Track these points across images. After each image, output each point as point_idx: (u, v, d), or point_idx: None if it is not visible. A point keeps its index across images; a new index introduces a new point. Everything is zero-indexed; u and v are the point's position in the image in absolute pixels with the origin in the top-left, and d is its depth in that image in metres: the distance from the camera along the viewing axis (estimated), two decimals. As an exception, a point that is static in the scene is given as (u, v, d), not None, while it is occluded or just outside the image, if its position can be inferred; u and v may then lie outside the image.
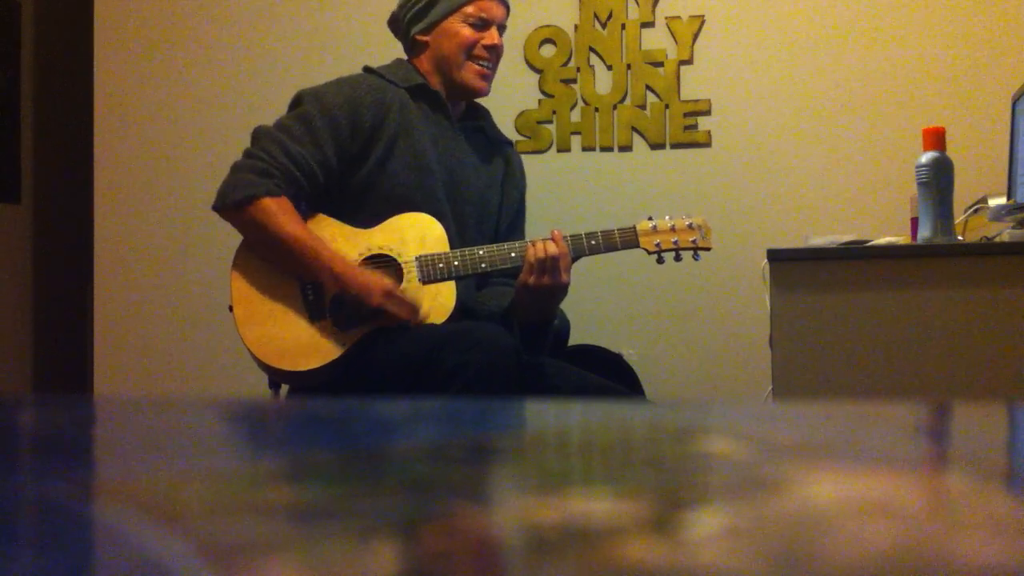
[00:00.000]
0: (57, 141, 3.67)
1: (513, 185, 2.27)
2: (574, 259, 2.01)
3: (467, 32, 2.12)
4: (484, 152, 2.23)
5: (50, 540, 0.34)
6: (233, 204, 1.97)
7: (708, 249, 2.09)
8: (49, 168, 3.64)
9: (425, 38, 2.15)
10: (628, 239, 2.04)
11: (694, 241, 2.07)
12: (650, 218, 2.07)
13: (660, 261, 2.07)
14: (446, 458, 0.52)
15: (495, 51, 2.15)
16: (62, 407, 0.80)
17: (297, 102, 2.07)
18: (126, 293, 3.14)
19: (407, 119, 2.08)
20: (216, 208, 2.01)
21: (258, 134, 2.04)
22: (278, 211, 1.95)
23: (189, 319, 3.08)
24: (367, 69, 2.17)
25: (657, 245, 2.05)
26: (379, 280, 1.95)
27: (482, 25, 2.13)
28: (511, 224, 2.24)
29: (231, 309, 1.99)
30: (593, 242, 2.02)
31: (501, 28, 2.17)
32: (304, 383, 1.99)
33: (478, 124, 2.24)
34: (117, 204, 3.15)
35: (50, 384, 3.58)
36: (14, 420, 0.72)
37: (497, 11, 2.16)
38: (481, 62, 2.13)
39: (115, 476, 0.48)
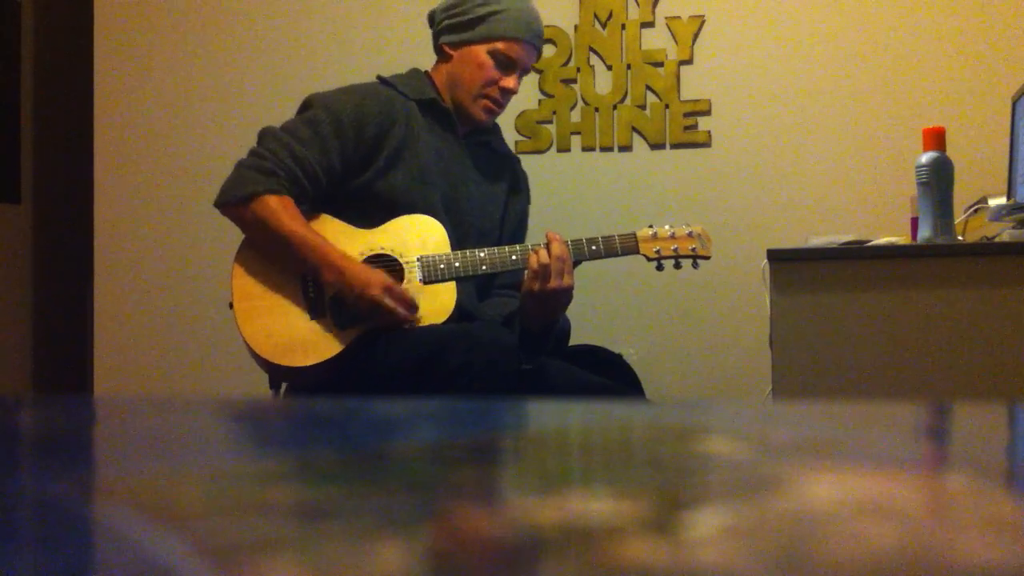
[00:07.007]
0: (57, 141, 3.67)
1: (518, 199, 2.28)
2: (574, 264, 2.01)
3: (489, 67, 2.12)
4: (489, 167, 2.23)
5: (50, 540, 0.34)
6: (236, 200, 1.98)
7: (707, 258, 2.10)
8: (49, 168, 3.64)
9: (452, 52, 2.16)
10: (628, 245, 2.05)
11: (693, 249, 2.08)
12: (650, 225, 2.09)
13: (659, 268, 2.08)
14: (447, 458, 0.52)
15: (508, 94, 2.15)
16: (62, 407, 0.80)
17: (306, 106, 2.09)
18: (126, 293, 3.14)
19: (412, 132, 2.08)
20: (219, 204, 2.02)
21: (264, 134, 2.05)
22: (280, 209, 1.96)
23: (189, 319, 3.08)
24: (380, 79, 2.17)
25: (657, 252, 2.06)
26: (379, 275, 1.95)
27: (507, 66, 2.13)
28: (513, 236, 2.25)
29: (231, 306, 1.99)
30: (593, 247, 2.03)
31: (524, 72, 2.17)
32: (302, 380, 1.99)
33: (484, 139, 2.24)
34: (117, 204, 3.15)
35: (50, 384, 3.58)
36: (14, 420, 0.72)
37: (528, 59, 2.16)
38: (492, 100, 2.14)
39: (115, 476, 0.48)
